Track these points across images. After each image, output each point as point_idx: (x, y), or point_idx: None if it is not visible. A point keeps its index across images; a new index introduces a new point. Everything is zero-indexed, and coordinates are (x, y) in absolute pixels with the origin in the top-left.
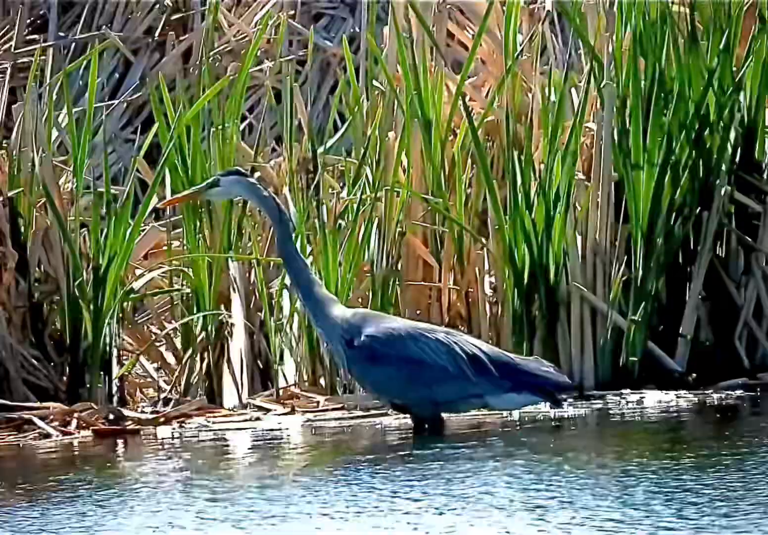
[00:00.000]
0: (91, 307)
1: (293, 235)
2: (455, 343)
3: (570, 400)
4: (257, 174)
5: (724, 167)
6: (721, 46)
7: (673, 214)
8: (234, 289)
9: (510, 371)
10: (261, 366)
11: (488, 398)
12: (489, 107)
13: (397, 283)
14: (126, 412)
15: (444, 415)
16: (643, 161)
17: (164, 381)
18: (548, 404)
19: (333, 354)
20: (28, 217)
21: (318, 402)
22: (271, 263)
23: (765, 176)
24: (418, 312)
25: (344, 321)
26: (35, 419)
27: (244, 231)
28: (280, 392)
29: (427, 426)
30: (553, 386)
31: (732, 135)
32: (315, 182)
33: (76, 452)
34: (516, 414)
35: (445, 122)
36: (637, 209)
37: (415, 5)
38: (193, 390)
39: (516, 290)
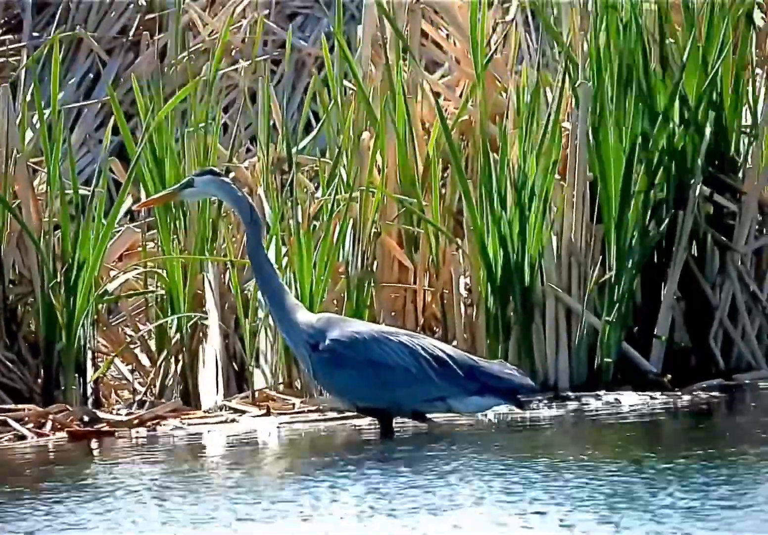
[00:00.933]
0: (65, 309)
1: (264, 238)
2: (419, 345)
3: (545, 401)
4: (231, 174)
5: (699, 167)
6: (694, 45)
7: (648, 215)
8: (209, 291)
9: (474, 374)
10: (236, 368)
11: (451, 401)
12: (463, 107)
13: (371, 284)
14: (101, 414)
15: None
16: (617, 161)
17: (139, 383)
18: (512, 406)
19: (299, 359)
20: (2, 218)
21: (293, 404)
22: (246, 265)
23: (740, 176)
24: (393, 314)
25: (309, 326)
26: (10, 421)
27: (219, 232)
28: (256, 394)
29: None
30: (517, 389)
31: (707, 134)
32: (289, 183)
33: (51, 454)
34: (491, 415)
35: (421, 122)
36: (610, 209)
37: (383, 7)
38: (168, 392)
39: (491, 291)
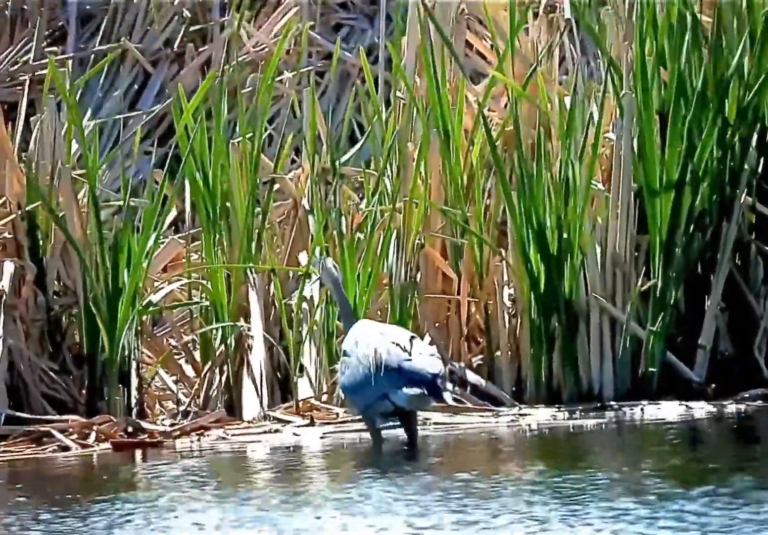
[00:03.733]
0: (108, 320)
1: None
2: (375, 350)
3: (589, 410)
4: (276, 186)
5: (744, 177)
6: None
7: (693, 224)
8: (253, 301)
9: (400, 369)
10: (280, 378)
11: (392, 396)
12: (507, 117)
13: (415, 295)
14: (145, 424)
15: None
16: (663, 171)
17: (183, 394)
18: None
19: None
20: (47, 230)
21: (337, 414)
22: (290, 275)
23: None
24: (436, 324)
25: None
26: (54, 432)
27: (262, 244)
28: (299, 403)
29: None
30: (431, 379)
31: (752, 144)
32: (333, 193)
33: (95, 465)
34: (533, 424)
35: (464, 133)
36: (656, 220)
37: (433, 16)
38: (213, 402)
39: (534, 301)
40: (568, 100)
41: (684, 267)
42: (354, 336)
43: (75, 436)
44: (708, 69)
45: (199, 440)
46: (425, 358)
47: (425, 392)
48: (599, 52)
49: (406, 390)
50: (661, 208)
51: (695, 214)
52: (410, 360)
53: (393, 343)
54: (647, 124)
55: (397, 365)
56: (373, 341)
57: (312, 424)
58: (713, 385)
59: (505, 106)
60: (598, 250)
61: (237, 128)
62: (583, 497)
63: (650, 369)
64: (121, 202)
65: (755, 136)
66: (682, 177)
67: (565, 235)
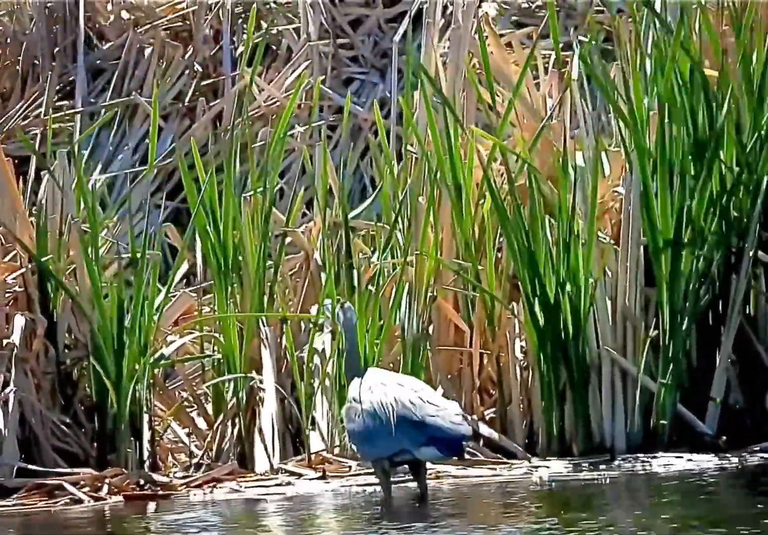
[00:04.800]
0: (116, 373)
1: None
2: (395, 399)
3: (600, 463)
4: (288, 239)
5: (752, 231)
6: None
7: (701, 277)
8: (265, 354)
9: (417, 426)
10: (292, 431)
11: (415, 452)
12: (519, 171)
13: (427, 347)
14: (157, 477)
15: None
16: (669, 225)
17: (196, 446)
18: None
19: None
20: (57, 283)
21: (350, 467)
22: (302, 327)
23: None
24: (449, 376)
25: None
26: (66, 485)
27: (275, 296)
28: (312, 456)
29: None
30: (458, 439)
31: (759, 198)
32: (346, 247)
33: (108, 518)
34: (545, 476)
35: (475, 187)
36: (664, 273)
37: (429, 76)
38: (225, 455)
39: (543, 355)
40: (579, 154)
41: (694, 319)
42: (368, 383)
43: (87, 489)
44: (712, 123)
45: (211, 492)
46: (451, 416)
47: (449, 452)
48: (610, 106)
49: (431, 449)
50: (669, 261)
51: (703, 267)
52: (435, 416)
53: (415, 394)
54: (657, 178)
55: (420, 419)
56: (391, 390)
57: (324, 477)
58: (724, 437)
59: (516, 159)
60: (609, 303)
61: (248, 182)
62: None
63: (662, 421)
64: (130, 255)
65: (762, 189)
66: (690, 230)
67: (574, 289)
